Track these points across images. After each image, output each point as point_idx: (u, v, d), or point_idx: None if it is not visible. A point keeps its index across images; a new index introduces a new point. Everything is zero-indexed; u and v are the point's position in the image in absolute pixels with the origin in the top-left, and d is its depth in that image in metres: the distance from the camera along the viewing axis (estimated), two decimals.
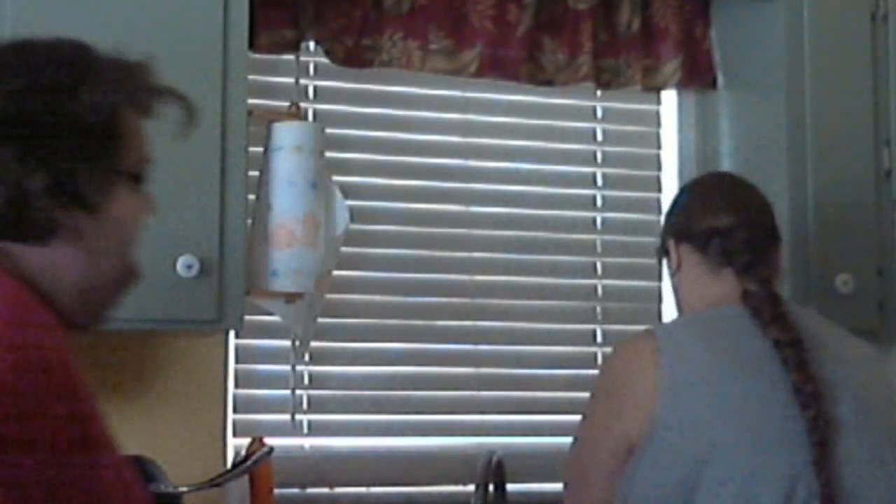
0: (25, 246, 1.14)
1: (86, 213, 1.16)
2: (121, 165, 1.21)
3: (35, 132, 1.13)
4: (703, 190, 1.99)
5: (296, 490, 2.47)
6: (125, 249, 1.23)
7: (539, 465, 2.60)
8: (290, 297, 2.19)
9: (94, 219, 1.17)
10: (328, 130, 2.34)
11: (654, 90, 2.74)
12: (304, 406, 2.48)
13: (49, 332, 1.09)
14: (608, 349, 2.70)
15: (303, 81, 2.52)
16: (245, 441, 2.29)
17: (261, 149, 2.21)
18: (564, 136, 2.74)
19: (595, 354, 2.71)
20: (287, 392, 2.47)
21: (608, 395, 1.83)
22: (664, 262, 2.01)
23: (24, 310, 1.09)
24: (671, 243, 1.96)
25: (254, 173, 2.18)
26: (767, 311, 1.81)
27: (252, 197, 2.18)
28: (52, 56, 1.18)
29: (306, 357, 2.47)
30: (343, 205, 2.26)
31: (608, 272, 2.74)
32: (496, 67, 2.56)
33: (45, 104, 1.14)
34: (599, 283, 2.73)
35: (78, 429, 1.03)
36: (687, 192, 2.02)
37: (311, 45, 2.50)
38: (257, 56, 2.37)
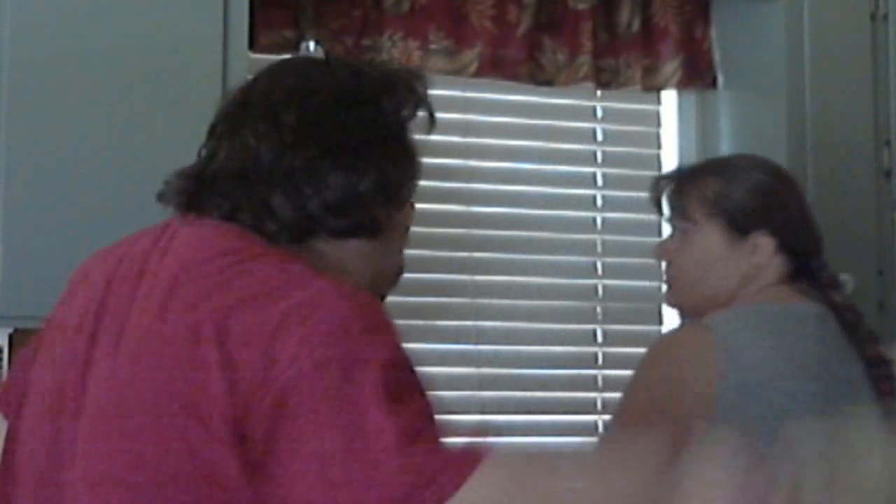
0: (346, 241, 1.24)
1: (395, 211, 1.29)
2: (414, 172, 1.35)
3: (357, 140, 1.25)
4: (797, 187, 1.90)
5: None
6: (401, 251, 1.36)
7: None
8: None
9: (397, 218, 1.30)
10: None
11: (654, 90, 2.74)
12: None
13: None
14: (608, 349, 2.71)
15: None
16: None
17: None
18: (564, 136, 2.74)
19: (595, 354, 2.71)
20: None
21: (655, 391, 1.72)
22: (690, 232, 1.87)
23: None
24: (758, 231, 1.83)
25: None
26: (864, 328, 1.75)
27: None
28: (354, 70, 1.30)
29: None
30: None
31: (608, 272, 2.74)
32: (496, 67, 2.56)
33: (360, 115, 1.26)
34: (599, 283, 2.74)
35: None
36: (783, 183, 1.90)
37: (311, 45, 2.50)
38: (257, 56, 2.37)
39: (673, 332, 1.82)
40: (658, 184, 1.98)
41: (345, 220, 1.23)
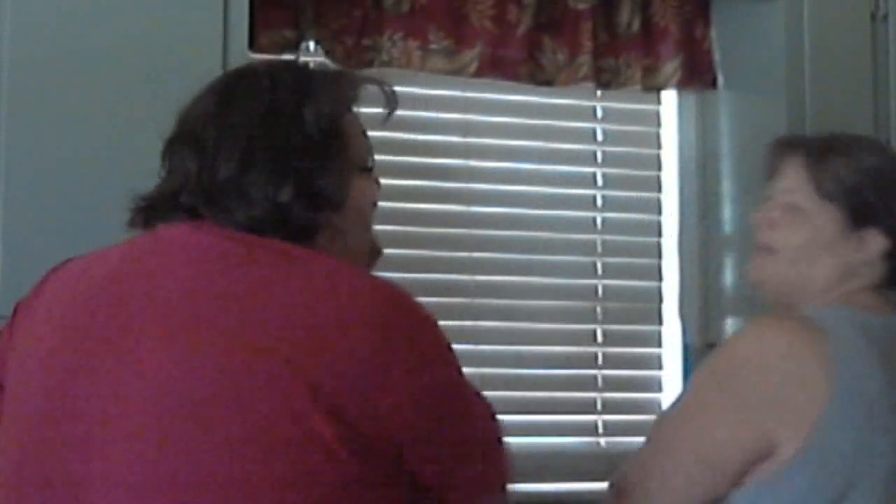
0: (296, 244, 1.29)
1: (333, 210, 1.33)
2: (350, 162, 1.38)
3: (275, 152, 1.30)
4: None
5: None
6: (368, 231, 1.44)
7: (539, 465, 2.60)
8: None
9: (341, 213, 1.34)
10: None
11: (654, 90, 2.74)
12: None
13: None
14: (608, 349, 2.71)
15: None
16: None
17: None
18: (564, 136, 2.74)
19: (595, 354, 2.71)
20: None
21: (747, 386, 1.56)
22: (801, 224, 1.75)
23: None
24: (873, 227, 1.74)
25: None
26: None
27: None
28: (273, 85, 1.35)
29: None
30: None
31: (608, 272, 2.74)
32: (496, 67, 2.56)
33: (278, 127, 1.31)
34: (599, 283, 2.73)
35: None
36: None
37: (311, 45, 2.50)
38: (257, 56, 2.37)
39: (780, 323, 1.62)
40: (779, 149, 1.85)
41: (273, 232, 1.27)
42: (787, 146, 1.84)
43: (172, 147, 1.34)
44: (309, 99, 1.33)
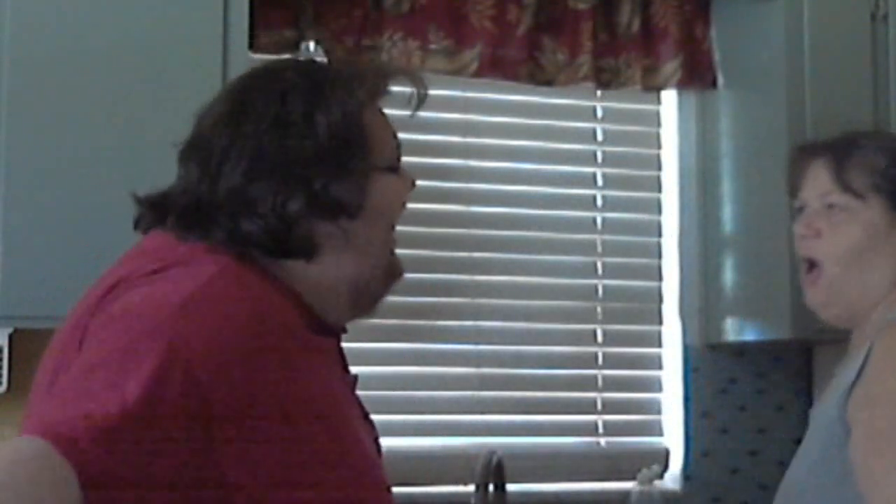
0: (296, 262, 1.25)
1: (349, 218, 1.26)
2: (372, 162, 1.30)
3: (286, 162, 1.24)
4: None
5: None
6: (389, 236, 1.34)
7: (539, 465, 2.60)
8: None
9: (360, 219, 1.27)
10: None
11: (654, 90, 2.74)
12: None
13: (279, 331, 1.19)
14: (608, 349, 2.71)
15: None
16: None
17: None
18: (564, 136, 2.74)
19: (595, 354, 2.71)
20: None
21: None
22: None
23: (260, 305, 1.19)
24: None
25: None
26: None
27: None
28: (285, 90, 1.29)
29: None
30: None
31: (608, 272, 2.74)
32: (496, 67, 2.56)
33: (289, 136, 1.25)
34: (599, 283, 2.73)
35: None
36: None
37: (311, 45, 2.50)
38: (257, 56, 2.37)
39: None
40: (800, 157, 1.82)
41: (277, 243, 1.23)
42: (808, 152, 1.81)
43: (183, 152, 1.30)
44: (322, 103, 1.28)
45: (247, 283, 1.20)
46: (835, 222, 1.73)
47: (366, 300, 1.32)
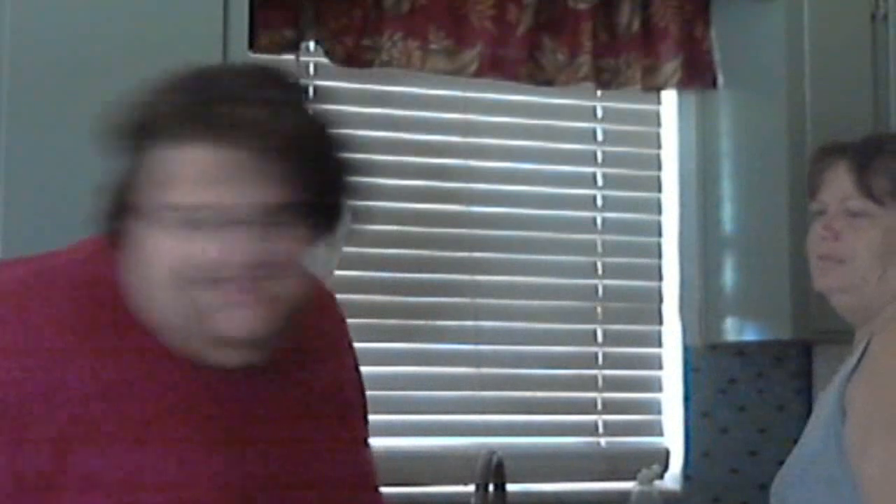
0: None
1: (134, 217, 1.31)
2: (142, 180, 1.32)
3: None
4: None
5: None
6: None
7: (539, 465, 2.60)
8: None
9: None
10: None
11: (654, 90, 2.74)
12: None
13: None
14: (608, 349, 2.71)
15: (303, 82, 2.52)
16: None
17: None
18: (564, 136, 2.74)
19: (595, 354, 2.71)
20: None
21: None
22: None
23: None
24: None
25: None
26: None
27: None
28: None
29: None
30: None
31: (608, 272, 2.74)
32: (496, 67, 2.56)
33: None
34: (599, 283, 2.73)
35: None
36: None
37: (311, 45, 2.50)
38: (257, 56, 2.37)
39: None
40: (822, 156, 1.81)
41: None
42: (829, 154, 1.80)
43: None
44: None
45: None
46: (854, 226, 1.72)
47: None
